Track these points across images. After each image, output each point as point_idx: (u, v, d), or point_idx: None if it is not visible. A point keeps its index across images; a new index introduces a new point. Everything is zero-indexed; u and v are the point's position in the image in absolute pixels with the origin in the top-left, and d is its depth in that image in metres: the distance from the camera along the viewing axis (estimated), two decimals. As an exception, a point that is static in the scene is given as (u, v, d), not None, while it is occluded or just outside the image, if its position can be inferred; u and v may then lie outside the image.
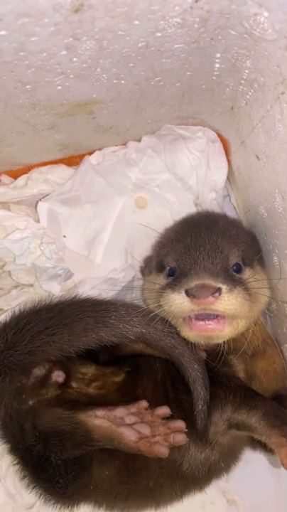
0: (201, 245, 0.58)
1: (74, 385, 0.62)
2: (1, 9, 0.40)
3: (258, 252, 0.68)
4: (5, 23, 0.41)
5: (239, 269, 0.59)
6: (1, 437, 0.61)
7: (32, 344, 0.56)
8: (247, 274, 0.60)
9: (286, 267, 0.64)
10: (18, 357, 0.56)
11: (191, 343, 0.58)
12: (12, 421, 0.58)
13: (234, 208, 0.87)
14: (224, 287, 0.53)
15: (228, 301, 0.53)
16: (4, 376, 0.56)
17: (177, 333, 0.58)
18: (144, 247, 0.79)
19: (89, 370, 0.63)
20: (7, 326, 0.58)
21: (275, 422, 0.55)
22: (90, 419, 0.56)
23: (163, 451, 0.55)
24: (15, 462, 0.60)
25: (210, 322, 0.55)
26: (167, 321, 0.58)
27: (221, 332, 0.56)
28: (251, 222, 0.77)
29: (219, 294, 0.52)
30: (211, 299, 0.52)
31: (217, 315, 0.55)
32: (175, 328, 0.58)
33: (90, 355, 0.63)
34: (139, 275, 0.78)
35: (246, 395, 0.58)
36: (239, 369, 0.63)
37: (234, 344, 0.62)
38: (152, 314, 0.58)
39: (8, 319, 0.59)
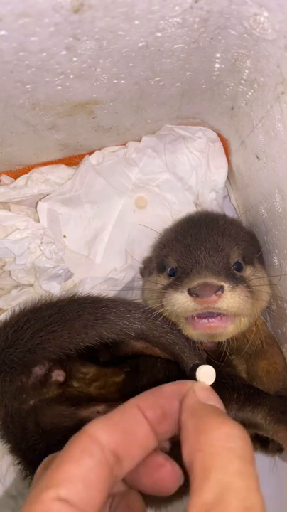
0: (202, 245, 0.58)
1: (75, 384, 0.62)
2: (1, 9, 0.40)
3: (258, 250, 0.68)
4: (5, 23, 0.41)
5: (240, 268, 0.59)
6: (2, 437, 0.61)
7: (32, 341, 0.56)
8: (248, 272, 0.61)
9: (286, 266, 0.64)
10: (19, 355, 0.56)
11: (192, 339, 0.58)
12: (13, 421, 0.58)
13: (234, 208, 0.87)
14: (226, 285, 0.53)
15: (231, 299, 0.53)
16: (5, 375, 0.56)
17: (178, 330, 0.58)
18: (144, 248, 0.79)
19: (90, 370, 0.64)
20: (7, 324, 0.58)
21: (282, 417, 0.55)
22: (92, 415, 0.56)
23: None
24: (16, 462, 0.60)
25: (213, 320, 0.55)
26: (168, 319, 0.58)
27: (224, 329, 0.56)
28: (251, 222, 0.77)
29: (222, 292, 0.52)
30: (214, 297, 0.52)
31: (220, 313, 0.55)
32: (177, 326, 0.59)
33: (91, 357, 0.64)
34: (139, 275, 0.78)
35: (250, 392, 0.58)
36: (241, 369, 0.63)
37: (236, 344, 0.62)
38: (153, 313, 0.58)
39: (8, 318, 0.59)
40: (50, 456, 0.37)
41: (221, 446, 0.31)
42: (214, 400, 0.38)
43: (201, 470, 0.30)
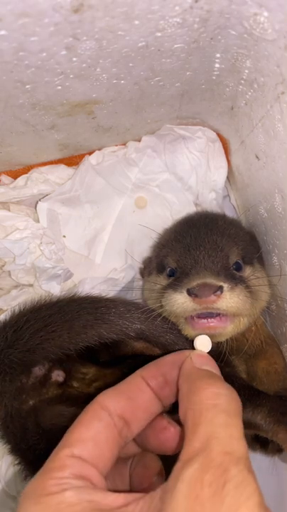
0: (201, 245, 0.58)
1: (75, 384, 0.62)
2: (1, 9, 0.40)
3: (258, 250, 0.68)
4: (5, 23, 0.41)
5: (239, 268, 0.60)
6: (2, 437, 0.60)
7: (32, 342, 0.56)
8: (247, 272, 0.61)
9: (286, 266, 0.64)
10: (18, 355, 0.55)
11: (192, 340, 0.58)
12: (13, 421, 0.58)
13: (234, 208, 0.87)
14: (225, 285, 0.53)
15: (230, 299, 0.53)
16: (4, 375, 0.56)
17: (177, 330, 0.58)
18: (144, 248, 0.79)
19: (90, 370, 0.63)
20: (7, 324, 0.58)
21: (281, 418, 0.55)
22: None
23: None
24: (16, 462, 0.60)
25: (213, 320, 0.55)
26: (168, 319, 0.58)
27: (224, 329, 0.56)
28: (251, 222, 0.77)
29: (221, 293, 0.52)
30: (213, 297, 0.52)
31: (219, 313, 0.55)
32: (176, 326, 0.58)
33: (91, 357, 0.63)
34: (139, 275, 0.78)
35: (250, 393, 0.58)
36: (240, 370, 0.63)
37: (236, 344, 0.62)
38: (153, 313, 0.58)
39: (7, 318, 0.59)
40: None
41: (208, 403, 0.36)
42: (209, 365, 0.43)
43: (191, 425, 0.35)
